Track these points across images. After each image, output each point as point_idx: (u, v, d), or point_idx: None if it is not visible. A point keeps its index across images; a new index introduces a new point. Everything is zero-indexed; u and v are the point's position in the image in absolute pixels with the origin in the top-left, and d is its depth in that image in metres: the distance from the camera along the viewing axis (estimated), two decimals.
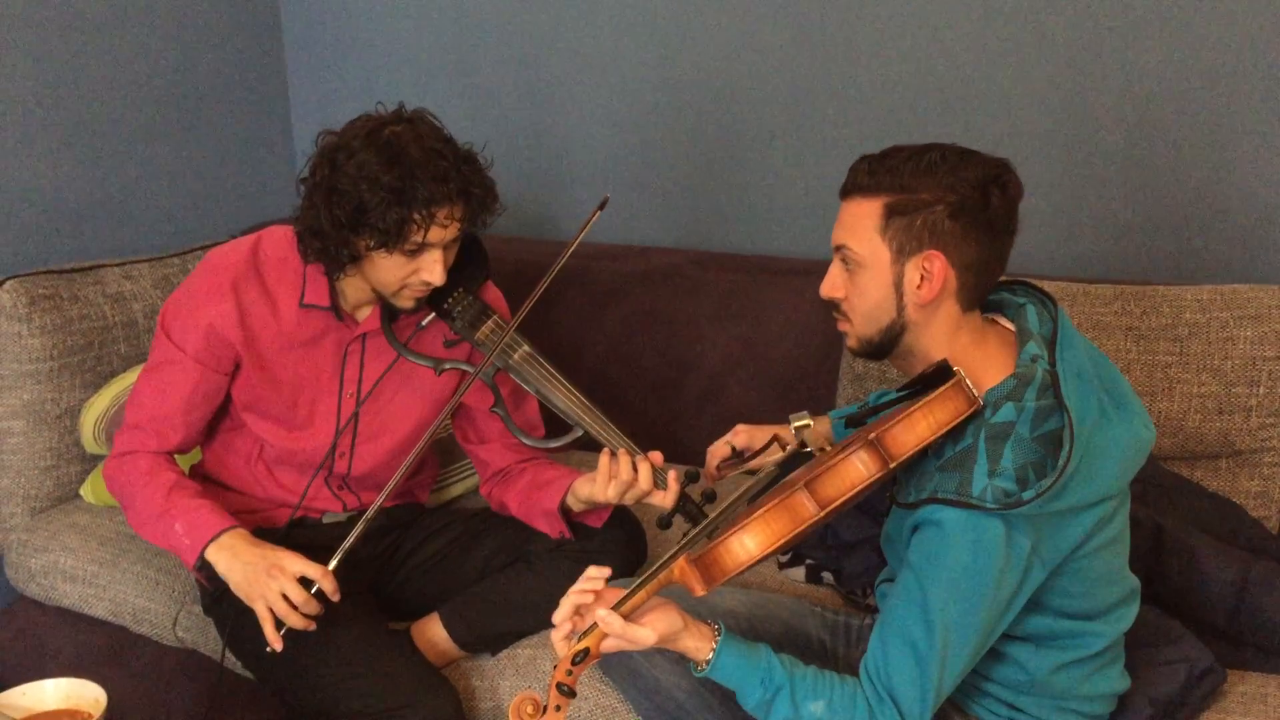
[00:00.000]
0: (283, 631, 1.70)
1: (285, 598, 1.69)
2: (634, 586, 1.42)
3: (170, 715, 2.05)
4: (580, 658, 1.40)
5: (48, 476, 2.35)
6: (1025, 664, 1.53)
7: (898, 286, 1.48)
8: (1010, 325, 1.54)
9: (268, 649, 1.70)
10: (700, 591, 1.39)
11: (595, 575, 1.45)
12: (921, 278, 1.46)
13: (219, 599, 1.87)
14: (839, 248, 1.52)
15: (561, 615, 1.44)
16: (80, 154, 2.67)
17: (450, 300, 1.89)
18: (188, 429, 1.89)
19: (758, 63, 2.61)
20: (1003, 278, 1.55)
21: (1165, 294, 2.10)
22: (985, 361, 1.49)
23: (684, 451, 2.23)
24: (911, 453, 1.39)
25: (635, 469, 1.77)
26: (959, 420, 1.41)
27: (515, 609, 1.93)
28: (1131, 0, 2.27)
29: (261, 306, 1.86)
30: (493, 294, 1.99)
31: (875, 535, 1.93)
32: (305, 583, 1.70)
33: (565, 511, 1.92)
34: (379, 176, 1.66)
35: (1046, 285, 2.04)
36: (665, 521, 1.76)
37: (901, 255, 1.46)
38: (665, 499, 1.78)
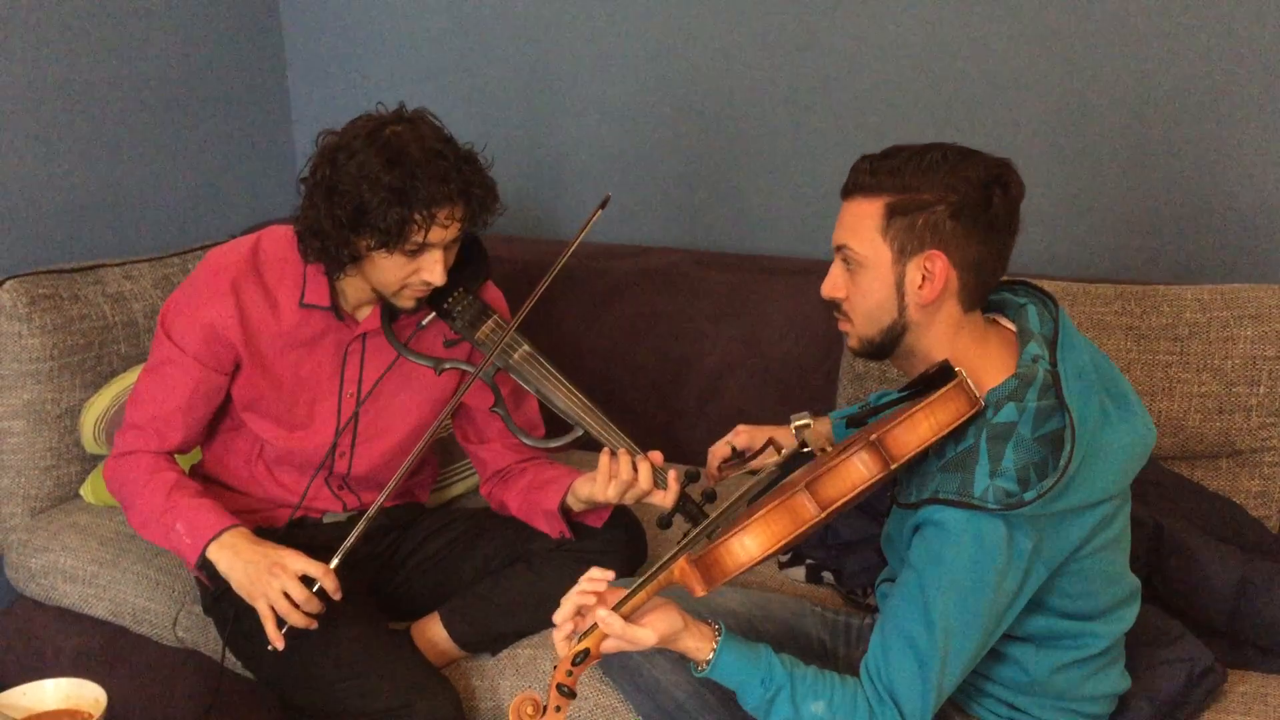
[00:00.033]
0: (284, 630, 1.70)
1: (287, 596, 1.69)
2: (634, 587, 1.42)
3: (170, 715, 2.05)
4: (580, 658, 1.39)
5: (48, 476, 2.35)
6: (1026, 664, 1.53)
7: (899, 286, 1.48)
8: (1011, 325, 1.54)
9: (269, 647, 1.70)
10: (700, 592, 1.38)
11: (598, 577, 1.45)
12: (923, 278, 1.46)
13: (219, 599, 1.87)
14: (840, 248, 1.51)
15: (563, 616, 1.44)
16: (80, 154, 2.66)
17: (450, 300, 1.89)
18: (188, 429, 1.89)
19: (758, 62, 2.61)
20: (1004, 278, 1.55)
21: (1165, 294, 2.10)
22: (986, 362, 1.49)
23: (684, 451, 2.23)
24: (913, 453, 1.39)
25: (635, 469, 1.77)
26: (961, 421, 1.40)
27: (515, 609, 1.93)
28: (1132, 0, 2.27)
29: (261, 306, 1.85)
30: (493, 294, 1.99)
31: (875, 535, 1.93)
32: (307, 581, 1.71)
33: (565, 511, 1.92)
34: (380, 176, 1.66)
35: (1047, 285, 2.04)
36: (665, 521, 1.75)
37: (903, 255, 1.46)
38: (665, 499, 1.78)
